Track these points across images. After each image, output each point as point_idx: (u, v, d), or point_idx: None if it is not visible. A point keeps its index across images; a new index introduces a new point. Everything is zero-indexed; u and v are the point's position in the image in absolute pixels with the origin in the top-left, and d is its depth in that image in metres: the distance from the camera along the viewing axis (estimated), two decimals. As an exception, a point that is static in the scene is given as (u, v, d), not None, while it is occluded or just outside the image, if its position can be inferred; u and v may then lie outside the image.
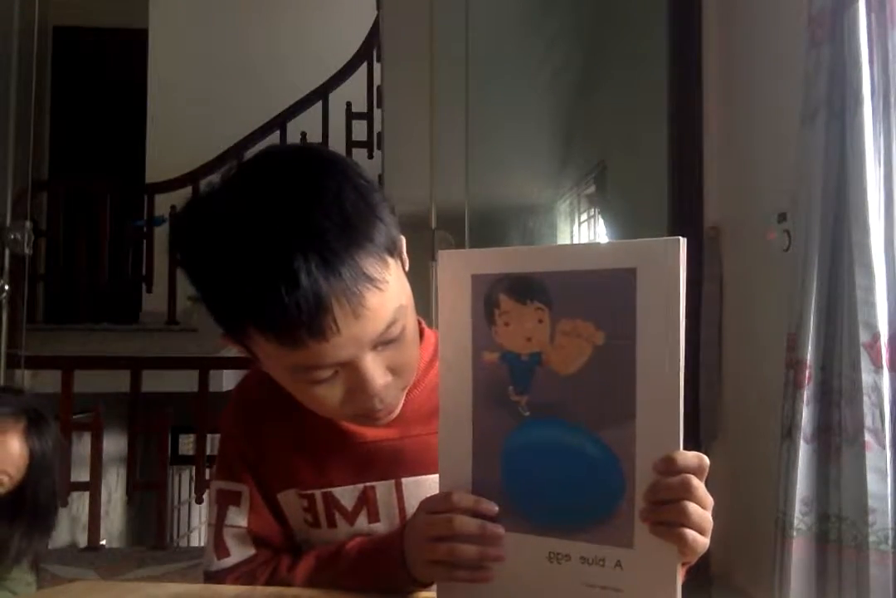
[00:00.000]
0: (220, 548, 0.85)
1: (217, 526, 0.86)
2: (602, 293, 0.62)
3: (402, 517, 0.83)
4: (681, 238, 0.60)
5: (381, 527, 0.83)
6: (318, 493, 0.83)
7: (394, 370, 0.74)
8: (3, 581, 1.53)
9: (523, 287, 0.65)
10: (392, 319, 0.70)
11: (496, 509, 0.66)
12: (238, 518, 0.85)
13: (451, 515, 0.67)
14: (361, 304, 0.67)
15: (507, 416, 0.66)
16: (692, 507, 0.60)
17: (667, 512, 0.60)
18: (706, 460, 0.61)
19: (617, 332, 0.61)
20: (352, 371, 0.71)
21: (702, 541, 0.61)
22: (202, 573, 0.88)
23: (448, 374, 0.68)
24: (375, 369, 0.71)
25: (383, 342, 0.71)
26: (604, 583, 0.63)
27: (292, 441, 0.84)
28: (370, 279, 0.68)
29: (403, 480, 0.82)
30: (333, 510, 0.83)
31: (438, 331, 0.70)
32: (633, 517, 0.61)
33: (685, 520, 0.60)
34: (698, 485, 0.60)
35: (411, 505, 0.80)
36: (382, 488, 0.83)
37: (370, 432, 0.83)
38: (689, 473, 0.60)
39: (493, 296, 0.66)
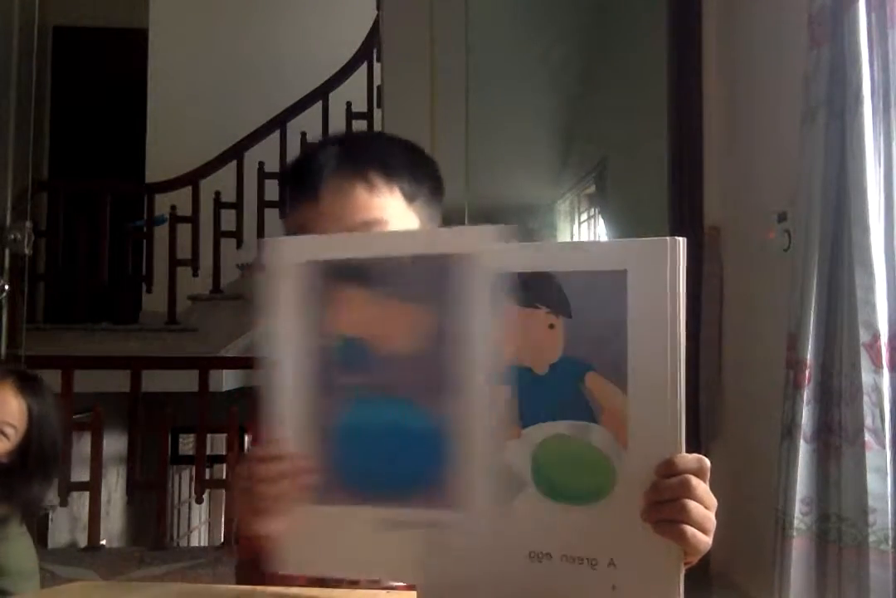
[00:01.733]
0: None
1: None
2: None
3: None
4: (679, 239, 0.59)
5: None
6: None
7: None
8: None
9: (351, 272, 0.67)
10: (371, 223, 0.85)
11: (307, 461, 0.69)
12: None
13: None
14: (348, 192, 0.86)
15: (338, 398, 0.69)
16: (692, 504, 0.60)
17: (667, 510, 0.60)
18: (707, 461, 0.61)
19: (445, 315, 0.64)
20: None
21: (703, 539, 0.61)
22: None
23: (281, 361, 0.70)
24: None
25: None
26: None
27: None
28: (368, 183, 0.86)
29: None
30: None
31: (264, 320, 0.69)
32: (462, 481, 0.64)
33: (685, 517, 0.60)
34: (698, 485, 0.61)
35: None
36: None
37: None
38: (689, 474, 0.60)
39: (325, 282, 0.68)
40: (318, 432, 0.69)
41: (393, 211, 0.87)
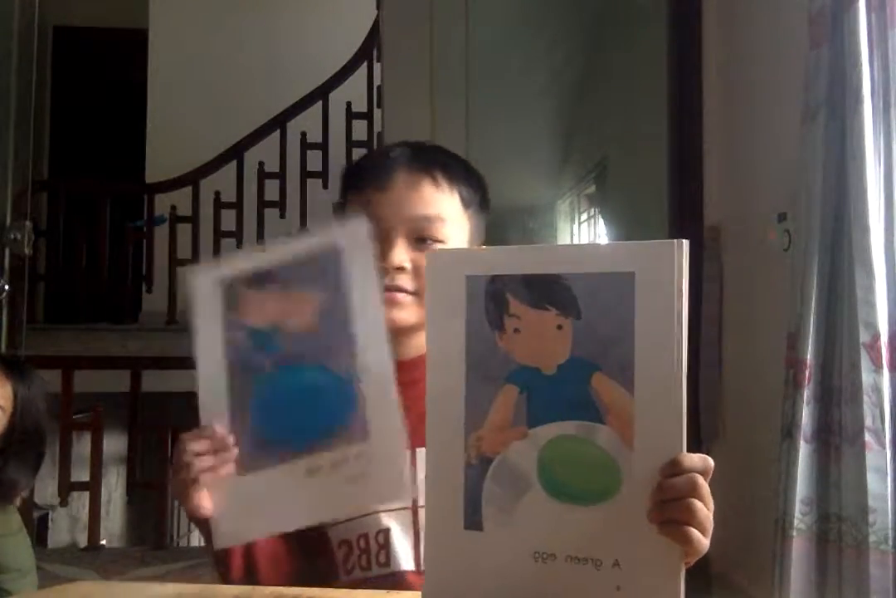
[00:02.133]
0: None
1: None
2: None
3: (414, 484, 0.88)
4: (684, 241, 0.60)
5: None
6: None
7: (412, 270, 0.92)
8: None
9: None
10: (433, 218, 0.94)
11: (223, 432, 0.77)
12: None
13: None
14: (417, 184, 0.94)
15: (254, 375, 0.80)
16: (697, 504, 0.61)
17: (674, 510, 0.60)
18: (710, 461, 0.62)
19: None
20: (384, 242, 0.90)
21: (704, 542, 0.62)
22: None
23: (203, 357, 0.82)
24: (399, 248, 0.92)
25: (418, 235, 0.94)
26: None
27: None
28: (435, 182, 0.95)
29: (418, 449, 0.84)
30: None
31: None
32: (365, 421, 0.75)
33: (691, 518, 0.60)
34: (703, 485, 0.61)
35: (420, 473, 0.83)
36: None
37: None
38: (695, 473, 0.61)
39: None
40: (238, 408, 0.78)
41: (452, 211, 0.97)
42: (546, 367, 0.65)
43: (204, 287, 0.81)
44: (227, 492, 0.76)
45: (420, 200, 0.94)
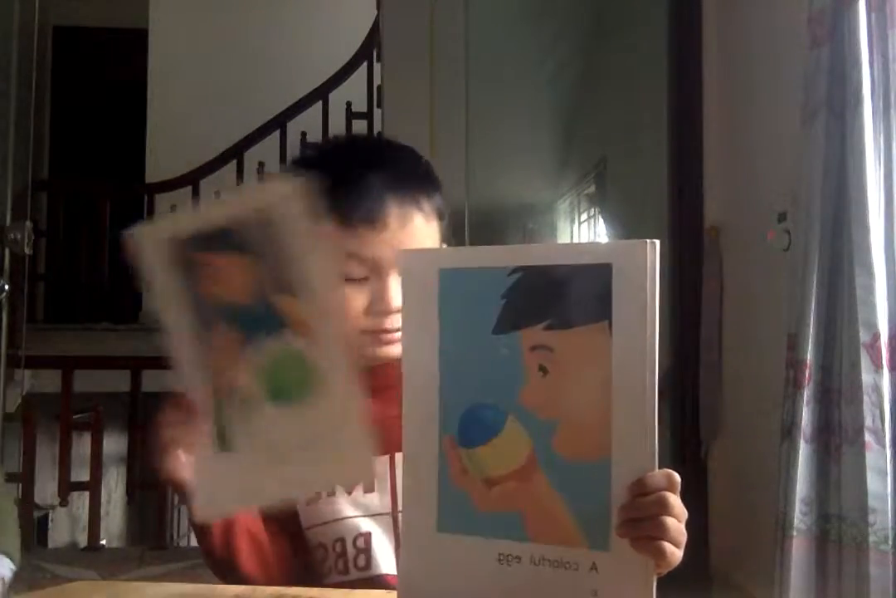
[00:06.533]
0: None
1: None
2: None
3: (392, 490, 0.89)
4: (656, 241, 0.61)
5: (374, 498, 0.90)
6: None
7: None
8: None
9: None
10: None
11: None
12: None
13: None
14: (410, 221, 0.89)
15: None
16: (670, 521, 0.61)
17: (645, 528, 0.61)
18: (676, 476, 0.62)
19: None
20: (378, 283, 0.87)
21: (678, 554, 0.62)
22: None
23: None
24: (396, 289, 0.85)
25: None
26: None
27: None
28: (422, 209, 0.91)
29: (397, 455, 0.84)
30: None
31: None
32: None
33: (663, 534, 0.61)
34: (672, 501, 0.62)
35: (400, 478, 0.83)
36: (378, 463, 0.87)
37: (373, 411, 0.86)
38: (664, 491, 0.61)
39: None
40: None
41: (433, 233, 0.94)
42: None
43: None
44: (204, 466, 0.75)
45: (412, 237, 0.90)
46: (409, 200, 0.90)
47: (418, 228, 0.90)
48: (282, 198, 0.69)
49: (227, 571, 0.86)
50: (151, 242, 0.75)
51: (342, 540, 0.89)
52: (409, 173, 0.93)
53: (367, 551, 0.89)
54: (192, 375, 0.75)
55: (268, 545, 0.89)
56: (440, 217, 0.94)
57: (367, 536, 0.89)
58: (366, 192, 0.89)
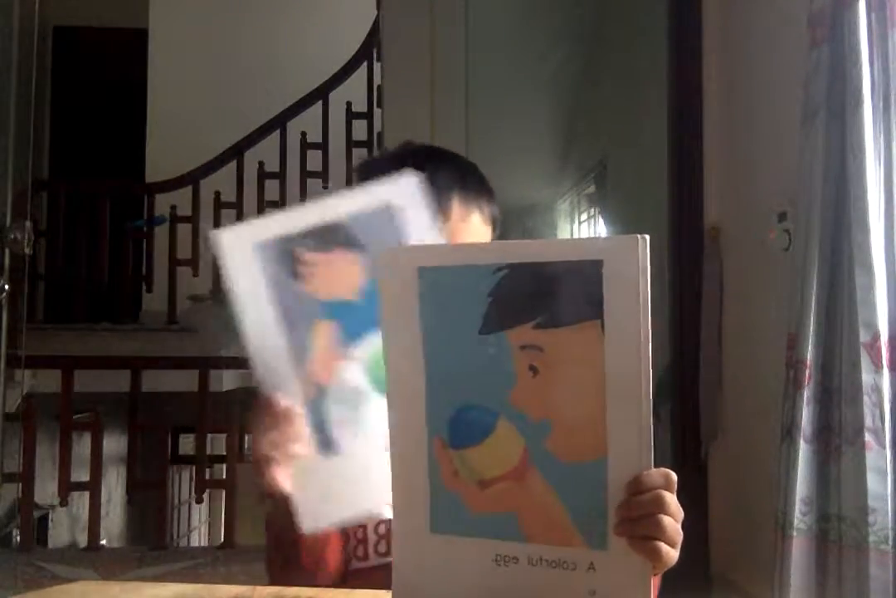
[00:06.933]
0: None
1: None
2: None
3: None
4: (646, 236, 0.60)
5: None
6: None
7: None
8: None
9: None
10: None
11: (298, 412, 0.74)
12: None
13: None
14: (470, 217, 0.95)
15: None
16: (666, 520, 0.61)
17: (642, 526, 0.61)
18: (673, 475, 0.62)
19: None
20: None
21: (673, 554, 0.62)
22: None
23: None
24: None
25: None
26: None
27: None
28: (481, 210, 0.97)
29: None
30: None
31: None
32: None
33: (660, 534, 0.61)
34: (669, 500, 0.61)
35: None
36: None
37: None
38: (660, 490, 0.61)
39: None
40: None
41: (489, 238, 0.99)
42: None
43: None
44: (307, 474, 0.72)
45: (470, 233, 0.96)
46: (471, 198, 0.96)
47: (476, 226, 0.96)
48: (408, 194, 0.71)
49: (304, 579, 0.85)
50: (238, 242, 0.73)
51: (363, 526, 0.91)
52: (471, 176, 1.00)
53: (387, 537, 0.91)
54: (285, 376, 0.72)
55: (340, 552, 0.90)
56: (493, 225, 1.00)
57: (388, 522, 0.89)
58: (434, 184, 0.90)
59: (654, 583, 0.73)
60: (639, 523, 0.61)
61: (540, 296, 0.62)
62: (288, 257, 0.72)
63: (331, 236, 0.71)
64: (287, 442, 0.73)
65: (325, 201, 0.74)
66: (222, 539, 3.49)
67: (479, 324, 0.64)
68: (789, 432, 1.71)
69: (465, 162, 1.05)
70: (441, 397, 0.66)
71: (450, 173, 0.97)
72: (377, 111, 3.85)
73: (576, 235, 4.95)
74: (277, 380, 0.73)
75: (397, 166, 0.91)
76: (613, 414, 0.61)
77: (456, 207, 0.95)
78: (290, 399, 0.73)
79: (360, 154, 4.13)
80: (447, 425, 0.66)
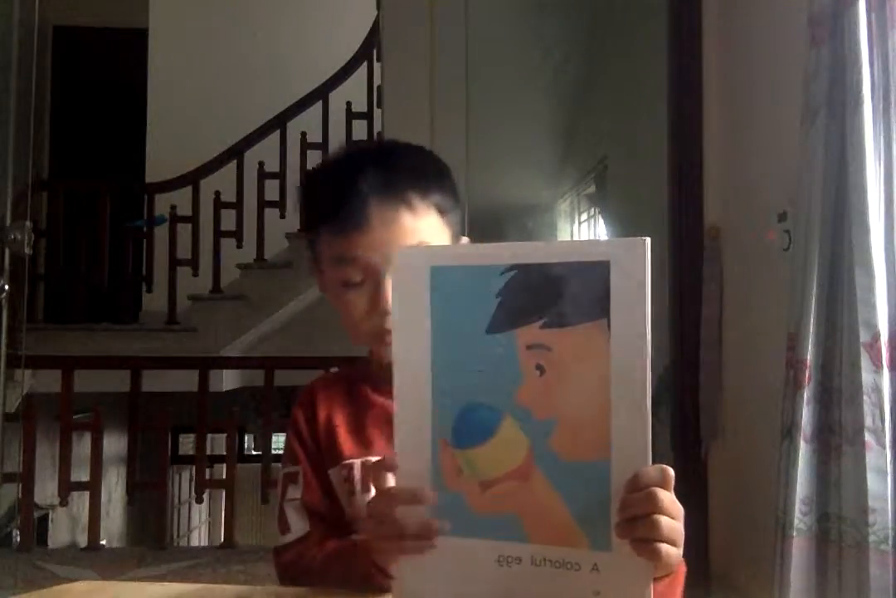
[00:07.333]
0: (283, 523, 0.95)
1: (280, 504, 0.97)
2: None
3: None
4: (647, 238, 0.61)
5: None
6: (356, 462, 0.92)
7: None
8: None
9: None
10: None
11: (432, 494, 0.67)
12: (295, 493, 0.96)
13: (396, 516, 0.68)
14: (396, 219, 0.87)
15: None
16: (663, 520, 0.61)
17: (639, 528, 0.61)
18: (669, 471, 0.62)
19: None
20: (372, 284, 0.88)
21: (674, 553, 0.61)
22: (272, 550, 0.96)
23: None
24: (388, 290, 0.80)
25: None
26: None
27: (344, 425, 0.96)
28: (411, 209, 0.88)
29: None
30: (368, 476, 0.89)
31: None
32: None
33: (656, 535, 0.60)
34: (665, 497, 0.61)
35: None
36: None
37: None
38: (655, 487, 0.61)
39: None
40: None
41: (431, 230, 0.90)
42: None
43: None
44: (415, 558, 0.68)
45: (400, 234, 0.87)
46: (392, 199, 0.87)
47: (404, 227, 0.87)
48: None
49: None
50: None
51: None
52: (395, 172, 0.90)
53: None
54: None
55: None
56: (442, 211, 0.91)
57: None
58: (349, 195, 0.88)
59: (678, 582, 0.72)
60: (636, 525, 0.61)
61: (547, 296, 0.63)
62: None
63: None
64: (409, 530, 0.67)
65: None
66: (222, 539, 3.50)
67: (487, 323, 0.65)
68: (789, 432, 1.71)
69: (392, 153, 0.95)
70: (447, 396, 0.67)
71: (366, 176, 0.88)
72: (377, 111, 3.85)
73: (576, 236, 4.95)
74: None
75: (325, 177, 0.92)
76: (617, 414, 0.61)
77: (375, 214, 0.87)
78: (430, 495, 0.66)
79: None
80: (452, 424, 0.66)
